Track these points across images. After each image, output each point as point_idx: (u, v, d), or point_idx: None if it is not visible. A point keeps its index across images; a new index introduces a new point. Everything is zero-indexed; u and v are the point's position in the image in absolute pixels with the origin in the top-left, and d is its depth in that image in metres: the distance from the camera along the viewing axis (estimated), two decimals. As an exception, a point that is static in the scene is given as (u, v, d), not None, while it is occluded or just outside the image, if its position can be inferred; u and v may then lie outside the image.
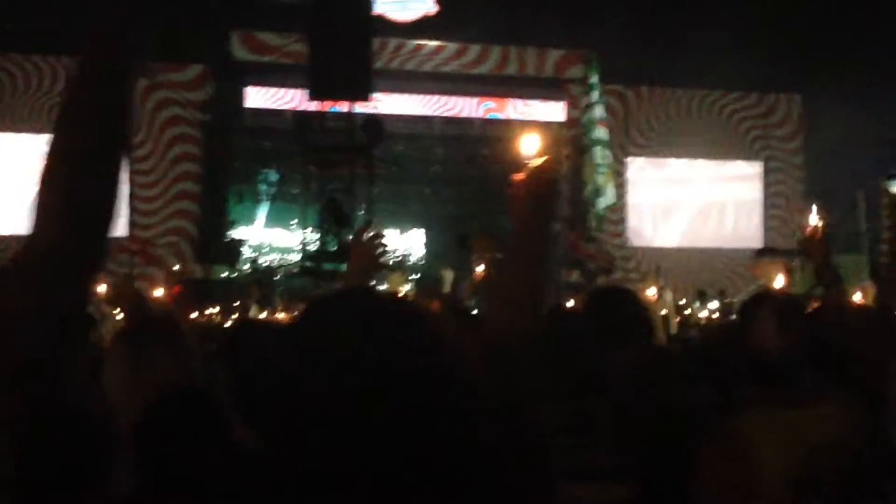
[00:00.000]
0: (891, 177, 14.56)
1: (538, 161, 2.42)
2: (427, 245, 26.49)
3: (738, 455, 2.99)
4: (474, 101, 24.15)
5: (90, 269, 1.70)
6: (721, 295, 18.76)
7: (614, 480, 3.08)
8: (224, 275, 20.50)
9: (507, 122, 24.01)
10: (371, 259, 4.17)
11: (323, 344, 1.52)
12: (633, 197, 24.39)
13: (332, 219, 19.59)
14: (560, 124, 24.13)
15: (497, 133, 23.80)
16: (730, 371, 4.30)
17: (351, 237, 4.42)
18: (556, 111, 24.41)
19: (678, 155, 24.83)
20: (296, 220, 23.03)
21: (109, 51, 1.67)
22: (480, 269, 6.60)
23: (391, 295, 1.84)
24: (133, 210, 21.40)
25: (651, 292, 8.58)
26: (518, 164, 2.45)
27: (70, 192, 1.64)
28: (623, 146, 24.21)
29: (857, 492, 3.05)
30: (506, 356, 2.02)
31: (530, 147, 2.51)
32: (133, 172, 21.35)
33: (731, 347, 4.45)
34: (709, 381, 4.30)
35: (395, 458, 1.46)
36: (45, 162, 1.65)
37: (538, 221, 2.37)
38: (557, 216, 2.30)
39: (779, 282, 10.07)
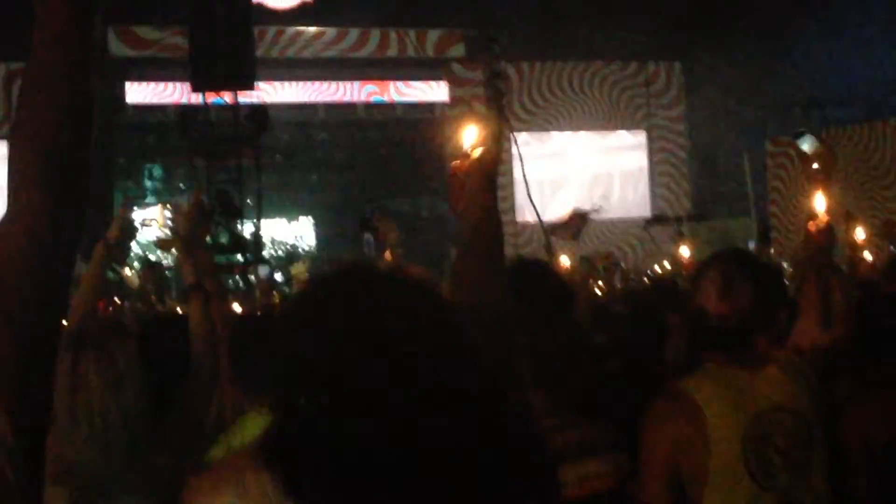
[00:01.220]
0: (798, 135, 14.82)
1: (477, 151, 2.49)
2: (317, 233, 26.36)
3: (688, 413, 3.13)
4: (357, 85, 24.22)
5: (69, 249, 1.68)
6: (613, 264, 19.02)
7: (613, 451, 3.16)
8: (111, 274, 19.92)
9: (391, 105, 24.36)
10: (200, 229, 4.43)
11: (331, 321, 1.54)
12: (519, 173, 23.98)
13: (222, 211, 19.01)
14: (443, 104, 24.47)
15: (381, 116, 24.21)
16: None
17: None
18: (438, 92, 24.60)
19: (562, 128, 25.10)
20: None
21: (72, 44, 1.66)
22: (387, 252, 6.44)
23: (392, 268, 1.75)
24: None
25: (565, 261, 8.46)
26: (456, 153, 2.52)
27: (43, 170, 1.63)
28: (513, 122, 23.84)
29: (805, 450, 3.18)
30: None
31: (469, 138, 2.53)
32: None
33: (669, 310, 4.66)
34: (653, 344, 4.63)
35: (416, 436, 1.48)
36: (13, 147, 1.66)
37: (487, 206, 2.44)
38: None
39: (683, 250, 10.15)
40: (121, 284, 15.77)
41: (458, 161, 2.53)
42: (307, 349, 1.54)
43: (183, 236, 4.28)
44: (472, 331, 1.62)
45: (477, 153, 2.51)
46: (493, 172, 2.51)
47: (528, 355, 2.58)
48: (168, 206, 17.54)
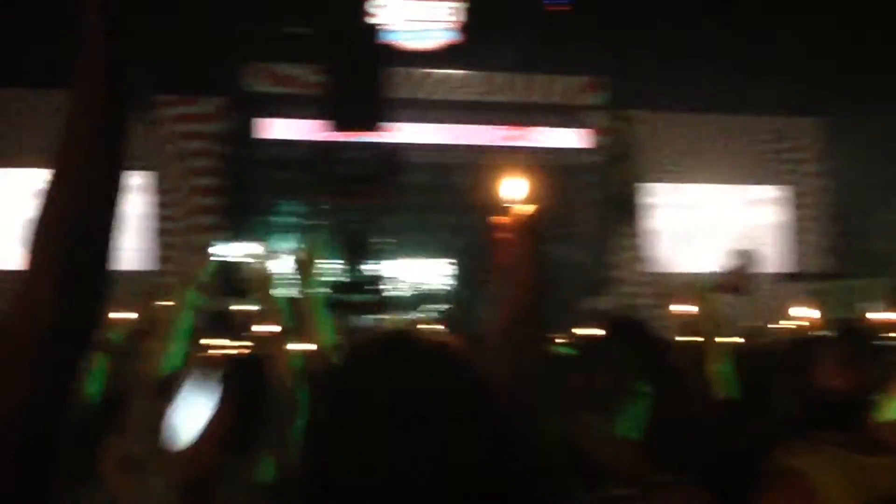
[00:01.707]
0: None
1: (523, 209, 2.50)
2: (451, 275, 26.21)
3: (804, 496, 2.92)
4: (495, 128, 23.84)
5: (85, 333, 1.61)
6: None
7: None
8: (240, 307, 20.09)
9: (526, 150, 23.73)
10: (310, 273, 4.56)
11: (365, 391, 1.55)
12: (654, 223, 23.96)
13: (348, 250, 19.88)
14: (578, 150, 24.10)
15: (516, 160, 23.58)
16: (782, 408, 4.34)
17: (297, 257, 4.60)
18: (572, 138, 24.24)
19: (699, 180, 24.48)
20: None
21: (107, 85, 1.62)
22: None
23: (432, 338, 1.71)
24: (161, 245, 21.38)
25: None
26: (499, 207, 2.51)
27: (66, 242, 1.56)
28: (646, 172, 23.83)
29: None
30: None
31: (513, 192, 2.54)
32: (160, 205, 21.50)
33: (783, 383, 4.41)
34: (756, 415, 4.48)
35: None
36: (42, 201, 1.59)
37: (533, 269, 2.41)
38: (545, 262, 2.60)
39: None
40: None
41: (501, 216, 2.53)
42: (336, 418, 1.56)
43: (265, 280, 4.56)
44: (505, 413, 1.63)
45: (521, 208, 2.51)
46: (538, 230, 2.51)
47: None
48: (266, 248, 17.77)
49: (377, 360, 1.60)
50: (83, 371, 1.60)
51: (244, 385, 4.62)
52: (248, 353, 9.64)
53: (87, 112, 1.60)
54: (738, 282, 18.36)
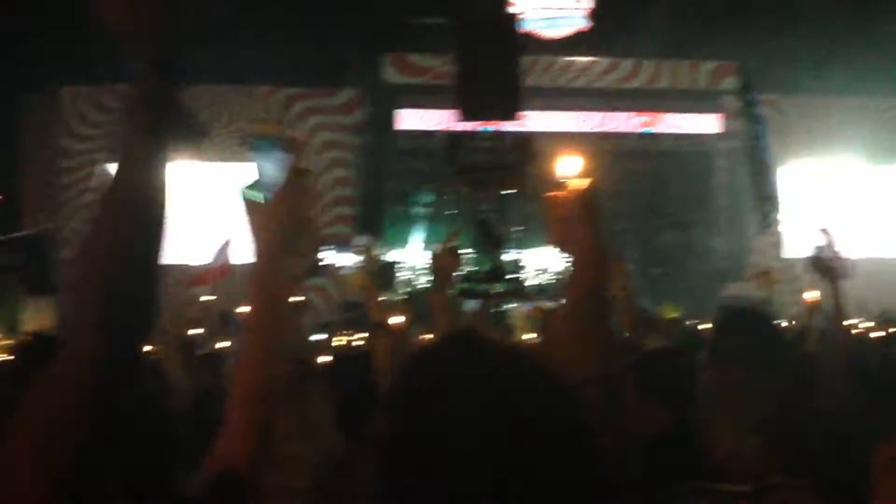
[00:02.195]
0: None
1: (580, 182, 2.45)
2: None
3: None
4: (627, 115, 23.90)
5: (126, 375, 1.63)
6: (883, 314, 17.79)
7: None
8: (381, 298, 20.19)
9: (661, 136, 23.93)
10: (448, 271, 4.42)
11: (425, 406, 1.45)
12: (790, 206, 23.52)
13: (483, 239, 19.76)
14: (714, 137, 23.95)
15: (651, 147, 23.78)
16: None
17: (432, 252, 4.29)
18: (710, 124, 24.07)
19: (834, 163, 23.84)
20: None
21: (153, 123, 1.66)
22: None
23: (499, 343, 1.60)
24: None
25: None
26: (554, 184, 2.48)
27: (107, 292, 1.59)
28: (780, 156, 23.51)
29: None
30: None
31: (570, 168, 2.51)
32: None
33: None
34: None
35: None
36: (81, 260, 1.62)
37: (593, 243, 2.39)
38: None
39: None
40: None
41: (555, 192, 2.48)
42: (413, 433, 1.47)
43: (370, 274, 4.20)
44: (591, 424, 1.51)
45: (576, 184, 2.45)
46: (594, 206, 2.45)
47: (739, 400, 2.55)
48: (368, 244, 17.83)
49: (443, 373, 1.48)
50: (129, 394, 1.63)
51: (349, 381, 4.70)
52: (356, 349, 9.68)
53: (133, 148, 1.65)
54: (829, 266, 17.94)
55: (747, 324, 2.97)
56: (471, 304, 16.40)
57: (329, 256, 18.72)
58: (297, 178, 2.12)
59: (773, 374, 2.63)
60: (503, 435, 1.38)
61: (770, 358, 2.81)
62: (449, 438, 1.39)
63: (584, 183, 2.45)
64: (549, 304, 14.64)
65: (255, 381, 2.02)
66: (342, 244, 18.83)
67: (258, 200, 2.12)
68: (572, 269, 2.44)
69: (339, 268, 19.01)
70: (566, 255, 2.47)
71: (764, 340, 2.93)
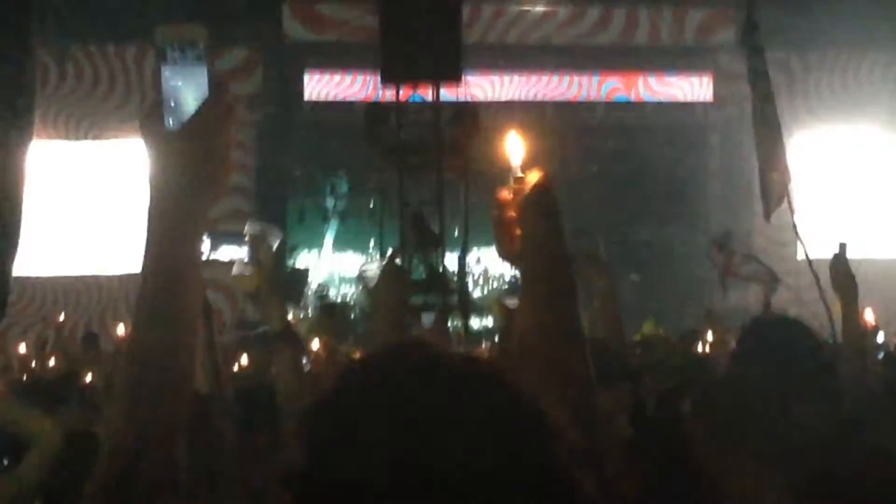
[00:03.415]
0: None
1: (533, 175, 2.43)
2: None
3: None
4: (595, 79, 23.59)
5: None
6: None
7: None
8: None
9: (639, 105, 23.82)
10: (399, 301, 4.41)
11: (367, 427, 1.50)
12: (802, 187, 22.98)
13: (416, 239, 19.18)
14: (706, 105, 23.74)
15: (626, 119, 23.68)
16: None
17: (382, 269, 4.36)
18: (701, 89, 23.71)
19: (860, 133, 23.59)
20: (373, 242, 22.40)
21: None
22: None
23: (456, 354, 1.59)
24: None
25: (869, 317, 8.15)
26: (503, 178, 2.46)
27: None
28: (786, 126, 22.80)
29: None
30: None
31: (516, 153, 2.46)
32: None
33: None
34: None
35: None
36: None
37: (552, 250, 2.42)
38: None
39: None
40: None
41: (507, 190, 2.45)
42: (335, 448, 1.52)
43: (266, 272, 4.55)
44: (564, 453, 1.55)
45: (532, 177, 2.42)
46: (551, 202, 2.43)
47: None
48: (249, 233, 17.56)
49: (381, 388, 1.53)
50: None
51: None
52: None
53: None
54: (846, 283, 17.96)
55: (776, 340, 3.35)
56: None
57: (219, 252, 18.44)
58: (217, 102, 2.04)
59: (808, 404, 3.00)
60: (452, 474, 1.45)
61: (805, 386, 3.18)
62: (379, 475, 1.47)
63: (538, 174, 2.42)
64: (512, 302, 14.42)
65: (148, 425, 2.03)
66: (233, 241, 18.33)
67: (163, 128, 2.05)
68: (523, 287, 2.47)
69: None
70: (522, 270, 2.47)
71: (797, 362, 3.29)
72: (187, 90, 2.06)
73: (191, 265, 2.11)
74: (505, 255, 2.48)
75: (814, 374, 3.40)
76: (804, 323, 4.26)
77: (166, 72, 2.05)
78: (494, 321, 13.24)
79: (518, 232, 2.41)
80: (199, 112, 2.03)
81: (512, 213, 2.43)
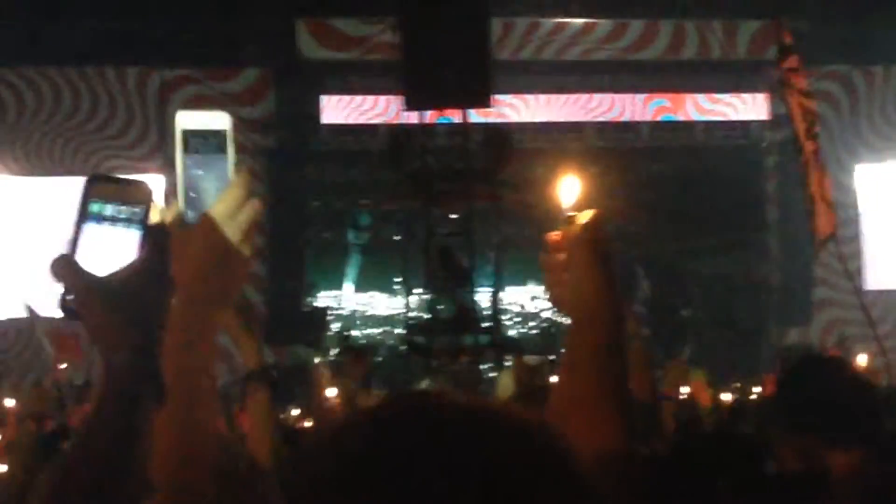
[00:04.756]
0: None
1: (584, 215, 2.41)
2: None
3: None
4: (640, 98, 23.27)
5: None
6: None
7: None
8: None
9: (688, 125, 23.48)
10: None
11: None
12: (869, 220, 22.94)
13: (444, 274, 19.13)
14: (762, 124, 23.20)
15: (674, 141, 23.38)
16: None
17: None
18: (755, 106, 23.27)
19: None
20: (398, 278, 22.29)
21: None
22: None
23: (479, 406, 1.48)
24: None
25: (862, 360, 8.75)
26: (555, 220, 2.45)
27: None
28: (849, 148, 22.88)
29: None
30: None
31: (570, 195, 2.45)
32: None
33: None
34: None
35: None
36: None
37: (604, 296, 2.38)
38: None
39: None
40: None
41: (557, 232, 2.46)
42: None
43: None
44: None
45: (584, 216, 2.43)
46: (604, 245, 2.44)
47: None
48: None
49: (378, 444, 1.44)
50: None
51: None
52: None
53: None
54: None
55: (821, 381, 3.56)
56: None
57: None
58: (238, 195, 2.10)
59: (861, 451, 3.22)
60: None
61: (855, 430, 3.36)
62: None
63: (588, 215, 2.43)
64: (533, 359, 14.64)
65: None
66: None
67: (184, 220, 2.11)
68: (572, 329, 2.47)
69: None
70: (567, 314, 2.46)
71: (844, 405, 3.43)
72: (208, 180, 1.80)
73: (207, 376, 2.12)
74: (555, 301, 2.45)
75: (854, 417, 3.40)
76: (848, 363, 4.48)
77: (188, 160, 1.99)
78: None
79: (567, 277, 2.39)
80: (220, 205, 2.08)
81: (561, 256, 2.41)
